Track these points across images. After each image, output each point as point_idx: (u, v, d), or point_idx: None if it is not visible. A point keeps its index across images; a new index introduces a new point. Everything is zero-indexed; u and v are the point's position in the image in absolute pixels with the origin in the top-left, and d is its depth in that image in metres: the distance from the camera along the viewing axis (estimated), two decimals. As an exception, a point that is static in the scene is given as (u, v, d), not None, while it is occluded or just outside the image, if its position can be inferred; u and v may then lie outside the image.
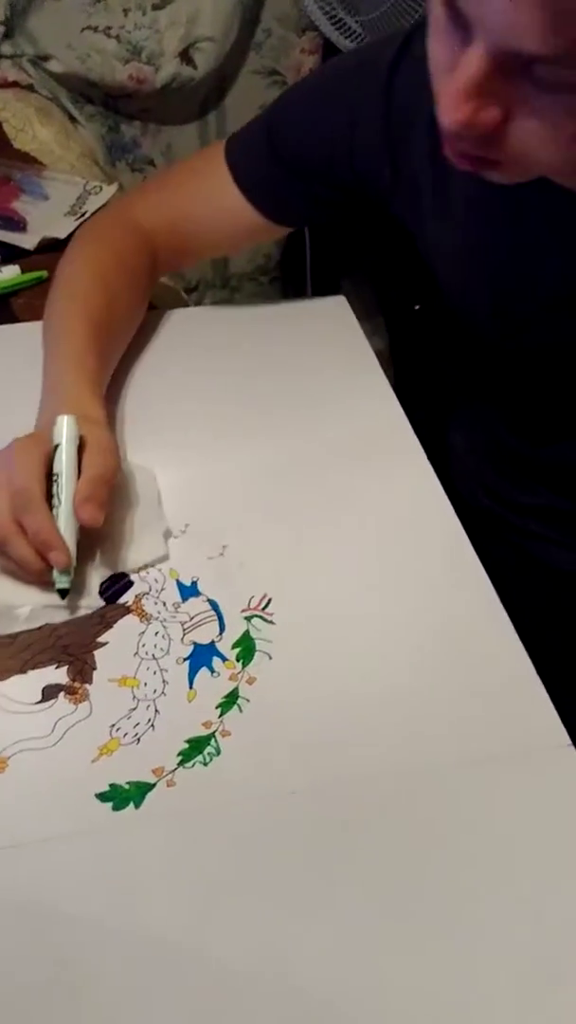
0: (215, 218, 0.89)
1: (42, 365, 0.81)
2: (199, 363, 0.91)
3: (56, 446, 0.69)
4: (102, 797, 0.59)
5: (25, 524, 0.66)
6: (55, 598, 0.68)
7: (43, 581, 0.68)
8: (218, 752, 0.61)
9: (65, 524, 0.67)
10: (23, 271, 1.02)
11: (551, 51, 0.49)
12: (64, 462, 0.68)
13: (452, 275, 0.81)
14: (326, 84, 0.83)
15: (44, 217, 1.11)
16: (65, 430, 0.69)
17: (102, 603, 0.69)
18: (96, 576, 0.70)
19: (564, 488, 0.86)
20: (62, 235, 1.07)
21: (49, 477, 0.68)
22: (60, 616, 0.68)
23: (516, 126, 0.54)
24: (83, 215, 1.11)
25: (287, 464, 0.81)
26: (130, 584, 0.70)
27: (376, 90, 0.77)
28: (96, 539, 0.71)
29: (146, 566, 0.72)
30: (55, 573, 0.67)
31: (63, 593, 0.67)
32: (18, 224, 1.08)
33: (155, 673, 0.65)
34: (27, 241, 1.07)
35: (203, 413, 0.86)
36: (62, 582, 0.67)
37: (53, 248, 1.06)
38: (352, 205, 0.87)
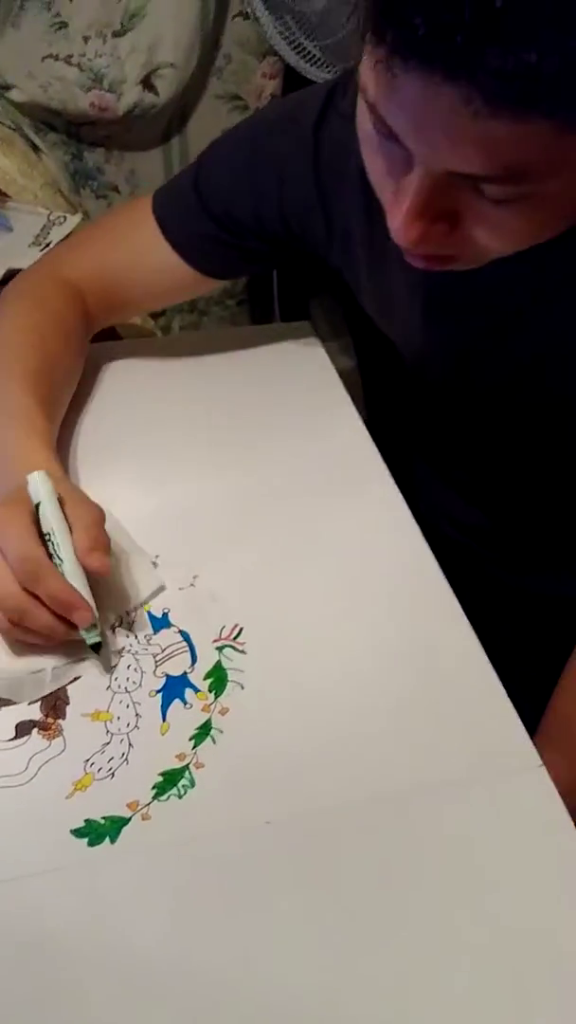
0: (147, 274, 0.88)
1: None
2: (165, 393, 0.92)
3: (37, 505, 0.66)
4: (77, 833, 0.59)
5: (40, 592, 0.63)
6: (74, 652, 0.67)
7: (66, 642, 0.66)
8: (192, 784, 0.61)
9: (75, 579, 0.65)
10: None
11: (490, 172, 0.51)
12: (53, 519, 0.66)
13: (388, 323, 0.83)
14: (253, 139, 0.82)
15: (8, 248, 1.10)
16: (42, 487, 0.67)
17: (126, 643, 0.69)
18: (109, 622, 0.70)
19: (494, 510, 0.87)
20: (26, 266, 1.07)
21: (40, 537, 0.66)
22: (87, 669, 0.67)
23: (466, 228, 0.56)
24: (47, 246, 1.11)
25: (256, 493, 0.81)
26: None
27: (303, 146, 0.78)
28: (96, 586, 0.68)
29: (150, 598, 0.72)
30: (83, 632, 0.65)
31: (97, 647, 0.66)
32: (-18, 256, 1.08)
33: (128, 707, 0.65)
34: (-9, 273, 1.07)
35: (170, 443, 0.86)
36: (93, 637, 0.65)
37: (17, 279, 1.06)
38: (287, 256, 0.87)
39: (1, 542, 0.64)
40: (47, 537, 0.66)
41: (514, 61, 0.43)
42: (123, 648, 0.68)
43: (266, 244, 0.85)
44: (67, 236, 1.08)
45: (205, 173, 0.84)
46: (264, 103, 1.80)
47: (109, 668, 0.67)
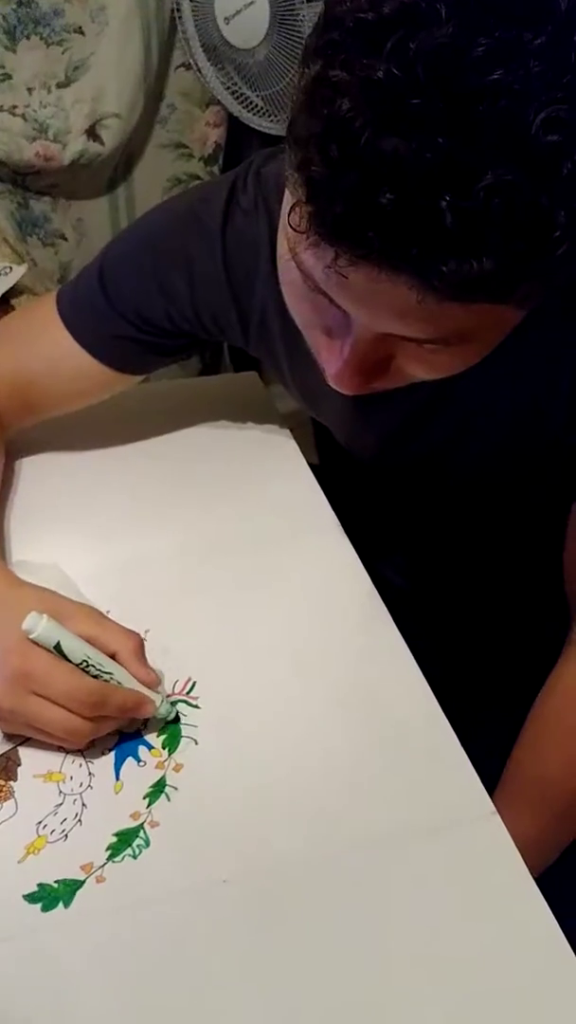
0: (62, 378, 0.85)
1: None
2: (114, 445, 0.92)
3: (57, 644, 0.63)
4: (30, 898, 0.58)
5: (108, 712, 0.63)
6: None
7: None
8: (147, 844, 0.60)
9: (129, 683, 0.65)
10: None
11: (432, 337, 0.52)
12: (81, 647, 0.64)
13: (315, 410, 0.84)
14: (158, 240, 0.81)
15: (-46, 300, 1.11)
16: (53, 628, 0.63)
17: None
18: None
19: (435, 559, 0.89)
20: (-26, 318, 1.08)
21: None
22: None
23: (399, 365, 0.57)
24: (-6, 297, 1.12)
25: (206, 545, 0.81)
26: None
27: (210, 247, 0.77)
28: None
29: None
30: (159, 715, 0.66)
31: (177, 718, 0.67)
32: None
33: (80, 766, 0.65)
34: None
35: (119, 496, 0.86)
36: (171, 713, 0.67)
37: (-36, 331, 1.05)
38: (205, 344, 0.87)
39: (51, 690, 0.62)
40: (83, 665, 0.64)
41: (467, 268, 0.45)
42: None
43: (182, 339, 0.84)
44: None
45: (111, 275, 0.81)
46: (209, 151, 1.83)
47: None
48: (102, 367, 0.84)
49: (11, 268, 1.15)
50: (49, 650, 0.63)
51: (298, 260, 0.52)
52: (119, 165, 1.75)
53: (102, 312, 0.82)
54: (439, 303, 0.47)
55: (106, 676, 0.64)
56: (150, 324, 0.82)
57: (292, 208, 0.49)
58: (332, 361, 0.57)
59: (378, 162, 0.43)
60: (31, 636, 0.62)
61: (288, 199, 0.51)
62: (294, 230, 0.49)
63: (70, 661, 0.63)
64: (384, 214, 0.44)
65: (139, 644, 0.68)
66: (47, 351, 0.84)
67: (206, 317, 0.81)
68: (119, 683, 0.65)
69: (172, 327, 0.82)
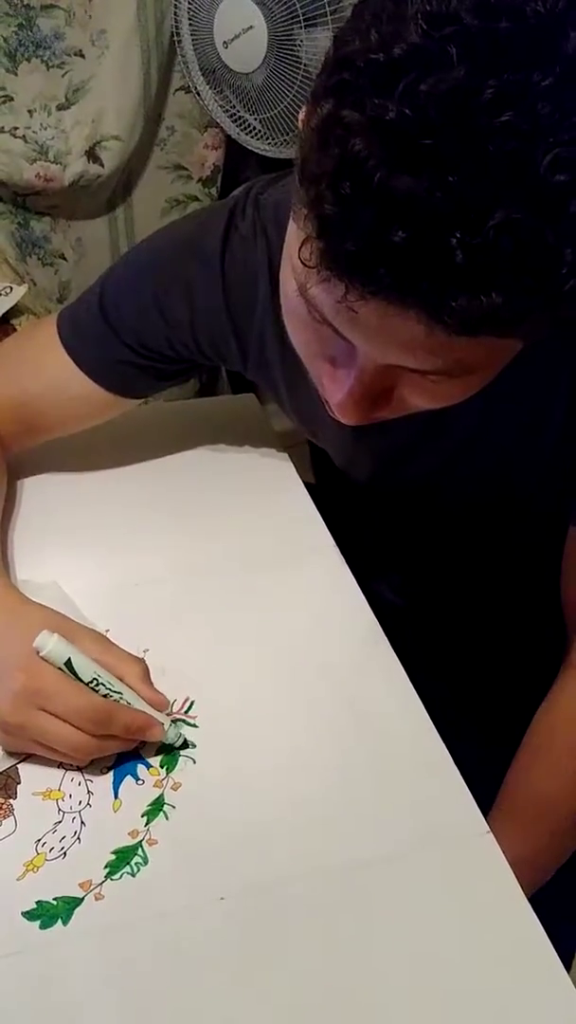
0: (63, 402, 0.86)
1: None
2: (113, 467, 0.93)
3: (68, 660, 0.64)
4: (29, 916, 0.58)
5: (114, 731, 0.64)
6: None
7: None
8: (145, 861, 0.61)
9: (137, 704, 0.66)
10: None
11: (437, 369, 0.53)
12: (90, 666, 0.65)
13: (313, 434, 0.86)
14: (157, 267, 0.81)
15: (-45, 320, 1.12)
16: (64, 646, 0.64)
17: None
18: None
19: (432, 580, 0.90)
20: (-26, 338, 1.09)
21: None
22: None
23: (400, 395, 0.58)
24: (-6, 317, 1.13)
25: (203, 565, 0.82)
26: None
27: (210, 275, 0.78)
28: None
29: None
30: (168, 740, 0.67)
31: (185, 743, 0.68)
32: None
33: (80, 784, 0.65)
34: None
35: (118, 517, 0.87)
36: (180, 739, 0.67)
37: (-35, 352, 1.06)
38: (203, 366, 0.87)
39: (58, 707, 0.63)
40: (92, 684, 0.64)
41: (477, 303, 0.46)
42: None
43: (182, 364, 0.85)
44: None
45: (111, 300, 0.82)
46: (207, 173, 1.85)
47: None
48: (102, 391, 0.85)
49: (11, 288, 1.16)
50: (59, 668, 0.64)
51: (307, 294, 0.53)
52: (118, 186, 1.77)
53: (102, 337, 0.83)
54: (447, 336, 0.48)
55: (115, 696, 0.65)
56: (150, 349, 0.83)
57: (303, 243, 0.50)
58: (335, 392, 0.58)
59: (390, 201, 0.44)
60: (41, 653, 0.63)
61: (295, 233, 0.52)
62: (304, 265, 0.50)
63: (80, 679, 0.64)
64: (396, 251, 0.45)
65: (145, 670, 0.69)
66: (47, 374, 0.85)
67: (205, 343, 0.82)
68: (128, 703, 0.65)
69: (172, 352, 0.83)
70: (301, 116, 0.52)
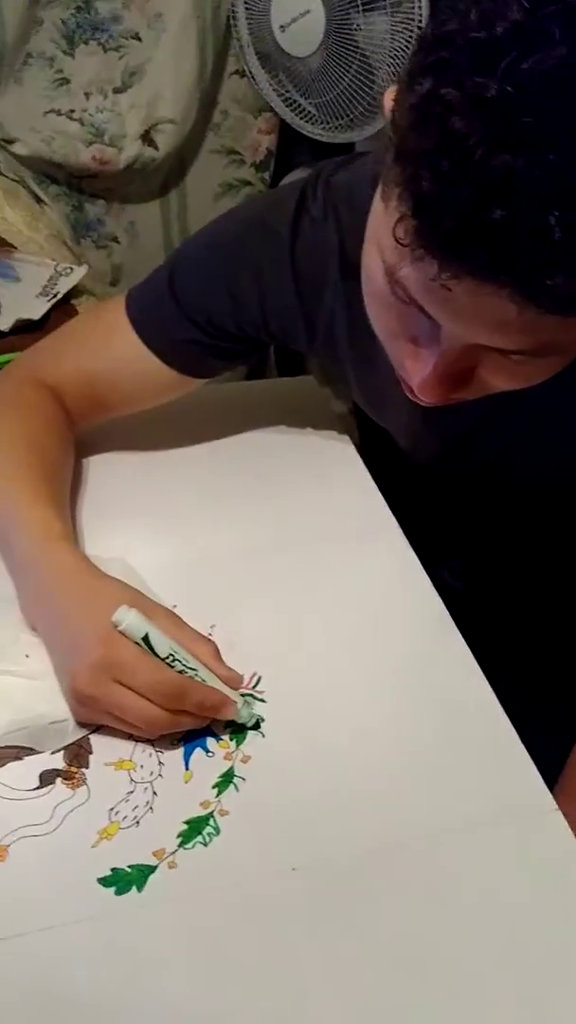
0: (129, 380, 0.87)
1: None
2: (177, 445, 0.94)
3: (145, 635, 0.65)
4: (104, 882, 0.59)
5: (188, 707, 0.65)
6: None
7: None
8: (217, 831, 0.62)
9: (212, 682, 0.66)
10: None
11: (524, 348, 0.53)
12: (167, 642, 0.65)
13: (380, 416, 0.86)
14: (227, 246, 0.82)
15: (17, 299, 1.13)
16: (142, 620, 0.65)
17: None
18: None
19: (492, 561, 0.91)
20: (35, 316, 1.10)
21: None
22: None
23: (482, 377, 0.58)
24: (55, 296, 1.13)
25: (269, 543, 0.83)
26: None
27: (280, 255, 0.79)
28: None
29: None
30: (240, 719, 0.67)
31: (257, 724, 0.68)
32: (-8, 308, 1.11)
33: (151, 756, 0.66)
34: (2, 323, 1.09)
35: (184, 495, 0.88)
36: (246, 718, 0.67)
37: (27, 329, 1.08)
38: (267, 349, 0.88)
39: (134, 680, 0.64)
40: (168, 659, 0.65)
41: (573, 282, 0.46)
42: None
43: (247, 344, 0.86)
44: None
45: (180, 280, 0.83)
46: (260, 157, 1.85)
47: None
48: (168, 370, 0.85)
49: (72, 268, 1.17)
50: (135, 642, 0.64)
51: (397, 274, 0.53)
52: (172, 170, 1.78)
53: (170, 317, 0.83)
54: (539, 316, 0.48)
55: (191, 672, 0.65)
56: (217, 329, 0.83)
57: (397, 222, 0.50)
58: (417, 371, 0.58)
59: (490, 178, 0.44)
60: (119, 627, 0.64)
61: (383, 213, 0.52)
62: (398, 243, 0.50)
63: (156, 655, 0.65)
64: (494, 229, 0.45)
65: (216, 649, 0.69)
66: (115, 353, 0.86)
67: (273, 323, 0.82)
68: (203, 681, 0.66)
69: (239, 332, 0.84)
70: (389, 97, 0.52)
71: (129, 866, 0.60)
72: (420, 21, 1.38)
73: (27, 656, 0.70)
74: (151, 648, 0.65)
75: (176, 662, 0.65)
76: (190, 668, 0.66)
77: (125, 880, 0.59)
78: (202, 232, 0.87)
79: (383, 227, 0.52)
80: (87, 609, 0.67)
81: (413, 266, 0.51)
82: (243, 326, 0.83)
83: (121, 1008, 0.54)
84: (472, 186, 0.45)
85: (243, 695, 0.69)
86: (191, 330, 0.83)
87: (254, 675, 0.71)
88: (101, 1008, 0.54)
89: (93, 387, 0.86)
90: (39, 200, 1.57)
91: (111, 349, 0.86)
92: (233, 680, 0.68)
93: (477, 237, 0.46)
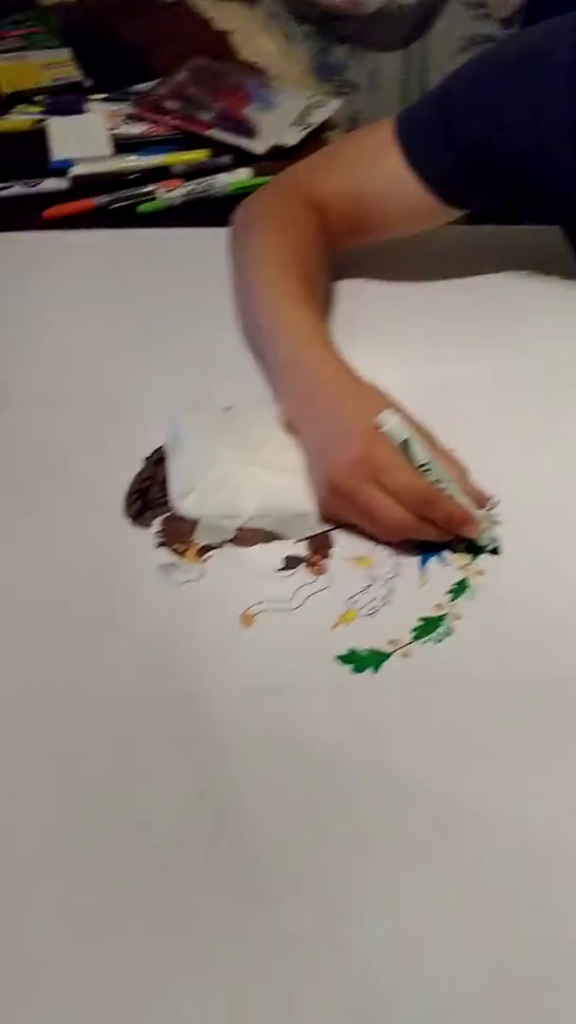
0: (392, 202, 0.87)
1: (259, 343, 0.81)
2: (428, 279, 0.94)
3: (404, 441, 0.67)
4: (342, 659, 0.63)
5: (433, 516, 0.67)
6: None
7: None
8: (450, 633, 0.64)
9: (461, 499, 0.68)
10: (255, 174, 1.06)
11: None
12: (426, 452, 0.67)
13: None
14: (504, 74, 0.80)
15: (272, 125, 1.14)
16: (404, 426, 0.67)
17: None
18: None
19: None
20: (291, 143, 1.11)
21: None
22: None
23: None
24: (309, 126, 1.14)
25: (511, 379, 0.83)
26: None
27: (556, 84, 0.76)
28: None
29: None
30: (481, 541, 0.69)
31: (496, 550, 0.69)
32: (249, 130, 1.12)
33: (389, 556, 0.69)
34: (258, 147, 1.10)
35: (432, 325, 0.89)
36: (487, 540, 0.69)
37: (282, 155, 1.09)
38: (524, 191, 0.86)
39: (389, 480, 0.66)
40: (423, 468, 0.67)
41: None
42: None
43: (511, 179, 0.85)
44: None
45: (454, 106, 0.82)
46: (508, 12, 1.77)
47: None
48: (430, 197, 0.85)
49: (326, 101, 1.17)
50: (394, 447, 0.67)
51: None
52: (418, 20, 1.72)
53: (438, 142, 0.83)
54: None
55: (443, 484, 0.67)
56: (484, 157, 0.82)
57: None
58: None
59: None
60: (382, 429, 0.66)
61: None
62: None
63: (412, 462, 0.67)
64: None
65: (464, 472, 0.71)
66: (380, 174, 0.86)
67: (544, 154, 0.81)
68: (453, 495, 0.67)
69: (505, 162, 0.83)
70: None
71: (366, 649, 0.63)
72: None
73: (278, 452, 0.73)
74: (409, 455, 0.67)
75: (430, 472, 0.67)
76: (443, 480, 0.67)
77: (362, 661, 0.63)
78: (477, 59, 0.85)
79: None
80: (351, 408, 0.70)
81: None
82: (512, 156, 0.82)
83: (353, 770, 0.58)
84: None
85: (485, 517, 0.70)
86: (457, 156, 0.83)
87: (492, 498, 0.72)
88: (333, 765, 0.58)
89: (356, 207, 0.87)
90: (289, 37, 1.56)
91: (377, 170, 0.86)
92: (479, 499, 0.70)
93: None
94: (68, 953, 0.50)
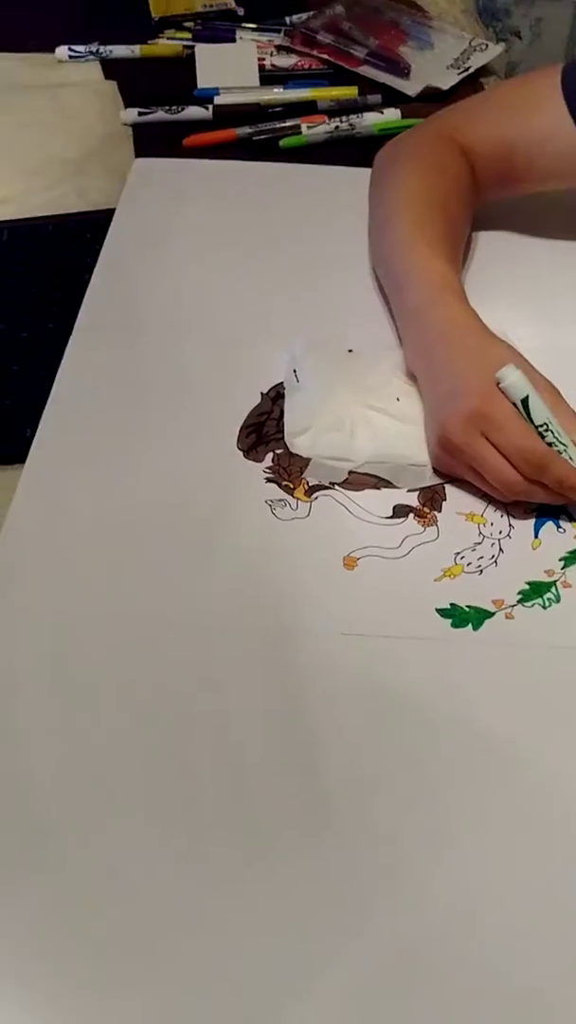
0: (546, 154, 0.82)
1: (390, 286, 0.79)
2: (567, 238, 0.90)
3: (524, 399, 0.64)
4: (443, 613, 0.62)
5: (546, 479, 0.64)
6: None
7: None
8: (558, 600, 0.62)
9: None
10: (404, 116, 1.03)
11: None
12: (546, 412, 0.64)
13: None
14: None
15: (427, 66, 1.10)
16: (525, 383, 0.64)
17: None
18: None
19: None
20: (445, 86, 1.07)
21: None
22: None
23: None
24: (467, 70, 1.10)
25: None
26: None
27: None
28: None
29: None
30: None
31: None
32: (402, 69, 1.08)
33: (502, 516, 0.67)
34: (409, 88, 1.07)
35: (568, 283, 0.85)
36: None
37: (434, 99, 1.05)
38: None
39: (501, 439, 0.64)
40: (541, 428, 0.64)
41: None
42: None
43: None
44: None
45: None
46: None
47: None
48: None
49: (487, 45, 1.12)
50: (513, 404, 0.64)
51: None
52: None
53: None
54: None
55: (560, 447, 0.64)
56: None
57: None
58: None
59: None
60: (501, 384, 0.64)
61: None
62: None
63: (531, 421, 0.64)
64: None
65: None
66: (538, 125, 0.82)
67: None
68: (570, 459, 0.64)
69: None
70: None
71: (468, 606, 0.62)
72: None
73: (398, 400, 0.72)
74: (527, 413, 0.64)
75: (548, 432, 0.65)
76: (561, 443, 0.65)
77: (463, 616, 0.62)
78: None
79: None
80: (473, 361, 0.67)
81: None
82: None
83: (438, 725, 0.57)
84: None
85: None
86: None
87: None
88: (419, 717, 0.57)
89: (508, 156, 0.83)
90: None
91: (536, 119, 0.82)
92: None
93: None
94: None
